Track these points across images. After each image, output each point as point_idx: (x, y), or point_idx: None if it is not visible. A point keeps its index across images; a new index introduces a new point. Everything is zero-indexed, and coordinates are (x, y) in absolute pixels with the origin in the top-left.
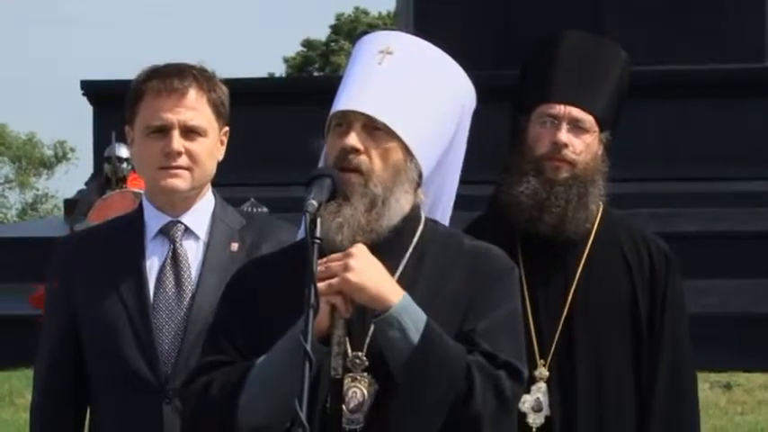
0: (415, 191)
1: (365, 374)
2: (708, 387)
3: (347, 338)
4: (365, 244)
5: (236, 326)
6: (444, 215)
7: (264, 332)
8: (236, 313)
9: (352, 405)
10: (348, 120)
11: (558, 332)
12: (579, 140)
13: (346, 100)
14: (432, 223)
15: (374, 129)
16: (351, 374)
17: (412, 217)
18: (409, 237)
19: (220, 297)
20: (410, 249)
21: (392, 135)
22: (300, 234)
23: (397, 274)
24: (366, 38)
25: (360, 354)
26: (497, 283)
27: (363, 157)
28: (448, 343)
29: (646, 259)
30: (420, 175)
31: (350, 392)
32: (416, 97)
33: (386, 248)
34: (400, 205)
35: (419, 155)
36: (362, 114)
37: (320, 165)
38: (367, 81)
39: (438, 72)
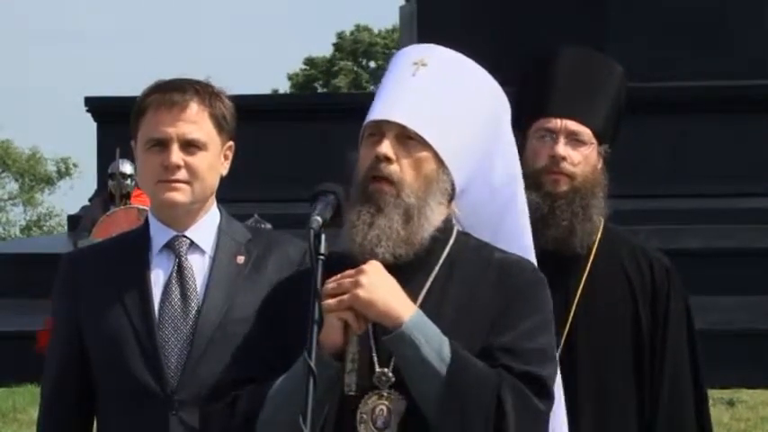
0: (449, 203)
1: (392, 391)
2: (711, 404)
3: (373, 354)
4: (404, 257)
5: (268, 343)
6: (522, 243)
7: (295, 349)
8: (268, 329)
9: (379, 423)
10: (381, 129)
11: (560, 348)
12: (577, 153)
13: (380, 110)
14: (463, 236)
15: (407, 138)
16: (377, 391)
17: (444, 229)
18: (440, 249)
19: (255, 313)
20: (440, 262)
21: (425, 145)
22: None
23: (427, 286)
24: (401, 51)
25: (386, 370)
26: (525, 295)
27: (395, 167)
28: (475, 367)
29: (647, 274)
30: (453, 187)
31: (376, 410)
32: (450, 108)
33: (416, 261)
34: (435, 216)
35: (452, 166)
36: (395, 124)
37: (354, 175)
38: (401, 92)
39: (472, 84)
